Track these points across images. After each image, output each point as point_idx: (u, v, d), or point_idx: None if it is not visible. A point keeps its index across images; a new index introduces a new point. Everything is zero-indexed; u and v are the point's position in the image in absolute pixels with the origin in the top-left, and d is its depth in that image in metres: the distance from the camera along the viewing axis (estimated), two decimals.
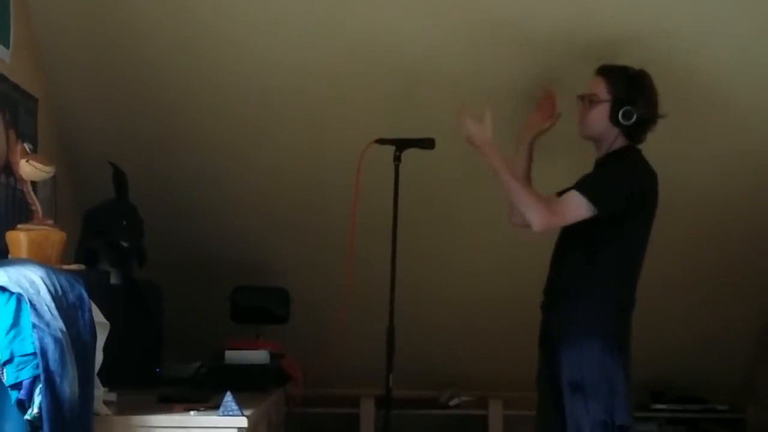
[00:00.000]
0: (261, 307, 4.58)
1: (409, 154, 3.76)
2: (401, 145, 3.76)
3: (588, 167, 3.76)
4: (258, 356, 4.15)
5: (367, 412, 5.33)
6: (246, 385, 3.72)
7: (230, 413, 3.09)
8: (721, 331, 5.15)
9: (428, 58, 4.03)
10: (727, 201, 4.54)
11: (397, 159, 3.73)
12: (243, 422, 3.08)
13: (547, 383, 3.78)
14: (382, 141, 3.76)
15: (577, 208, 3.61)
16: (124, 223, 4.04)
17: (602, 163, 3.76)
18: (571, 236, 3.72)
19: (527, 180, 3.91)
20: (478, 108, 3.75)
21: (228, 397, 3.11)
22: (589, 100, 3.74)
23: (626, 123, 3.68)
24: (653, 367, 5.23)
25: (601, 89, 3.72)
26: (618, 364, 3.65)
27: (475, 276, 4.84)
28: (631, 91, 3.69)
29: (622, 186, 3.68)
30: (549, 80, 3.98)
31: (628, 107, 3.67)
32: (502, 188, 3.75)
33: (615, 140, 3.72)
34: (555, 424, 3.73)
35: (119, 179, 4.13)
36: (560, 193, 3.76)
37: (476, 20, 3.87)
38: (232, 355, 4.14)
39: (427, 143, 3.79)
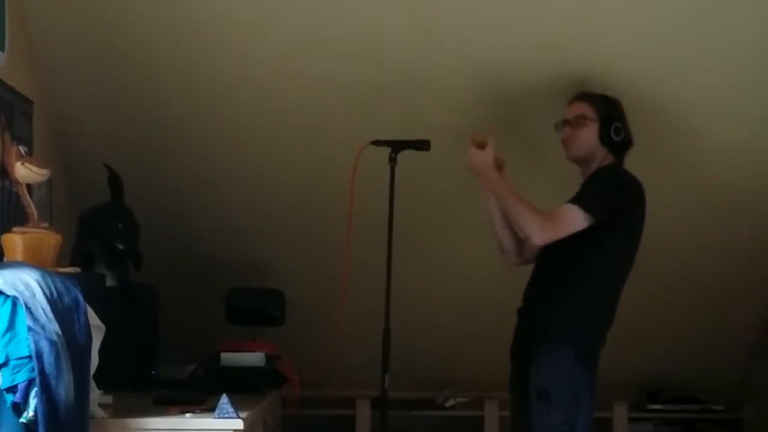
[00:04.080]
0: (257, 308, 4.57)
1: (405, 156, 3.77)
2: (397, 146, 3.77)
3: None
4: (254, 358, 4.15)
5: (363, 413, 5.32)
6: (242, 387, 3.72)
7: (226, 415, 3.08)
8: (717, 332, 5.15)
9: (423, 60, 4.03)
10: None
11: (393, 160, 3.75)
12: (239, 424, 3.08)
13: (518, 387, 3.84)
14: (377, 142, 3.78)
15: (573, 219, 3.65)
16: (120, 225, 4.04)
17: (590, 179, 3.81)
18: (557, 246, 3.72)
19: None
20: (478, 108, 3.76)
21: (224, 399, 3.11)
22: (577, 122, 3.83)
23: (617, 139, 3.80)
24: (650, 368, 5.25)
25: (588, 111, 3.84)
26: (586, 377, 3.69)
27: (472, 277, 4.83)
28: (614, 111, 3.84)
29: (615, 193, 3.74)
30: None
31: (617, 124, 3.80)
32: (504, 208, 3.85)
33: (603, 159, 3.82)
34: (526, 426, 3.78)
35: (115, 181, 4.13)
36: None
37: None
38: (228, 357, 4.14)
39: (422, 145, 3.80)
